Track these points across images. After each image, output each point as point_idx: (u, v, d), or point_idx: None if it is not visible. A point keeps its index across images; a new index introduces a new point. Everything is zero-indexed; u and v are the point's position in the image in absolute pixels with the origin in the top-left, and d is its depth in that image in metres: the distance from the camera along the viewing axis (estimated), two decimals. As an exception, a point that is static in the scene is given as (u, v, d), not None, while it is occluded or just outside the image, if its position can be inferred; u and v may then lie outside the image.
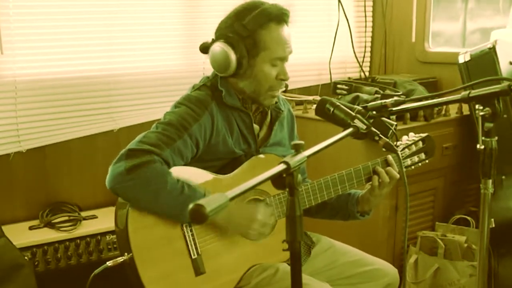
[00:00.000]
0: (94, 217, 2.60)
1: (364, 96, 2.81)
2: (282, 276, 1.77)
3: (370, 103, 1.68)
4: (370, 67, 3.65)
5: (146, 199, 1.65)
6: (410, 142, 1.93)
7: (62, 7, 2.56)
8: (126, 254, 1.67)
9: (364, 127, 1.58)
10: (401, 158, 1.80)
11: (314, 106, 1.71)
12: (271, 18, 1.77)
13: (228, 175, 1.82)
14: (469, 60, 2.73)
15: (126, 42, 2.74)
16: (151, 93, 2.84)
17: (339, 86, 3.01)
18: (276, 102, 1.91)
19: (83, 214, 2.61)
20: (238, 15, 1.78)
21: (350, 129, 1.56)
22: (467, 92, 1.62)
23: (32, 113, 2.54)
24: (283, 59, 1.81)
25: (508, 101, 2.61)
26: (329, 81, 3.35)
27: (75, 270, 2.39)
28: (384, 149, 1.63)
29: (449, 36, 3.64)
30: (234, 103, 1.83)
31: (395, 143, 1.77)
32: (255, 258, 1.81)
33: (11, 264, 2.18)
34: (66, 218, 2.54)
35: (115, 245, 2.46)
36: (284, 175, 1.18)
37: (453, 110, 2.91)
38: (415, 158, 1.94)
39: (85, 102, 2.67)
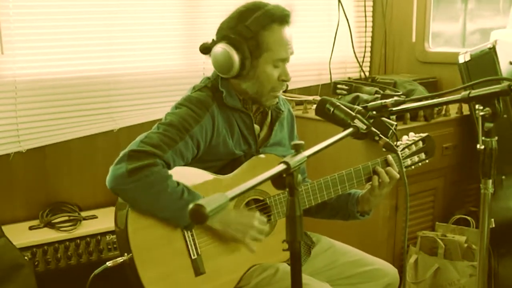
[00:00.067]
0: (94, 217, 2.60)
1: (364, 96, 2.81)
2: (282, 276, 1.77)
3: (370, 103, 1.68)
4: (370, 67, 3.65)
5: (146, 202, 1.66)
6: (410, 142, 1.93)
7: (62, 7, 2.56)
8: (126, 254, 1.67)
9: (364, 127, 1.58)
10: (401, 158, 1.79)
11: (314, 106, 1.71)
12: (274, 19, 1.77)
13: (228, 175, 1.82)
14: (469, 60, 2.73)
15: (126, 42, 2.74)
16: (151, 93, 2.84)
17: (339, 86, 3.01)
18: (276, 103, 1.91)
19: (83, 214, 2.61)
20: (241, 16, 1.78)
21: (350, 129, 1.56)
22: (467, 92, 1.61)
23: (32, 113, 2.54)
24: (285, 60, 1.81)
25: (508, 101, 2.61)
26: (329, 81, 3.35)
27: (75, 270, 2.39)
28: (384, 149, 1.63)
29: (449, 36, 3.64)
30: (235, 104, 1.83)
31: (395, 143, 1.77)
32: (255, 258, 1.81)
33: (11, 264, 2.18)
34: (66, 218, 2.54)
35: (115, 245, 2.46)
36: (284, 175, 1.18)
37: (453, 110, 2.91)
38: (415, 158, 1.94)
39: (85, 102, 2.66)
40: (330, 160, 2.45)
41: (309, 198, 1.83)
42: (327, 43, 3.37)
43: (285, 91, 1.92)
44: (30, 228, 2.48)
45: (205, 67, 2.90)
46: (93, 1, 2.63)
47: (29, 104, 2.53)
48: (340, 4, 3.34)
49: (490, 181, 1.62)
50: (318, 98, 2.59)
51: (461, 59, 2.76)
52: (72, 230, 2.45)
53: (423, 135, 1.97)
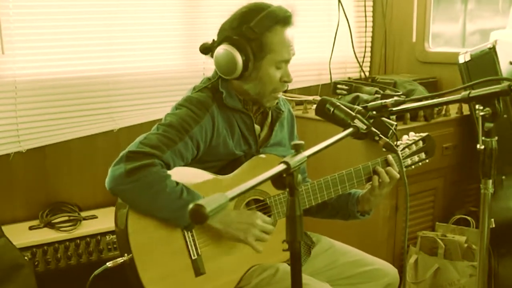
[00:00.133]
0: (94, 217, 2.60)
1: (364, 96, 2.81)
2: (282, 276, 1.77)
3: (370, 103, 1.68)
4: (370, 67, 3.65)
5: (144, 202, 1.65)
6: (410, 142, 1.93)
7: (62, 7, 2.56)
8: (126, 254, 1.67)
9: (364, 127, 1.58)
10: (401, 158, 1.79)
11: (314, 106, 1.71)
12: (277, 21, 1.76)
13: (228, 175, 1.81)
14: (469, 60, 2.73)
15: (126, 42, 2.74)
16: (151, 93, 2.83)
17: (339, 86, 3.01)
18: (277, 103, 1.91)
19: (83, 214, 2.61)
20: (244, 18, 1.77)
21: (350, 129, 1.56)
22: (467, 92, 1.61)
23: (32, 113, 2.54)
24: (288, 61, 1.81)
25: (508, 101, 2.61)
26: (329, 81, 3.35)
27: (75, 270, 2.38)
28: (384, 149, 1.63)
29: (449, 37, 3.64)
30: (235, 104, 1.83)
31: (395, 143, 1.77)
32: (255, 258, 1.81)
33: (11, 264, 2.17)
34: (66, 218, 2.54)
35: (115, 245, 2.46)
36: (284, 175, 1.18)
37: (453, 110, 2.91)
38: (415, 158, 1.94)
39: (85, 102, 2.66)
40: (330, 160, 2.45)
41: (309, 198, 1.83)
42: (327, 43, 3.37)
43: (285, 91, 1.92)
44: (30, 228, 2.48)
45: (205, 67, 2.90)
46: (93, 1, 2.63)
47: (29, 104, 2.53)
48: (340, 4, 3.34)
49: (490, 181, 1.62)
50: (318, 98, 2.59)
51: (461, 59, 2.76)
52: (72, 230, 2.45)
53: (423, 134, 1.97)
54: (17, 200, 2.59)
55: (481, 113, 1.57)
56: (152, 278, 1.67)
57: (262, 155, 1.88)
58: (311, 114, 2.84)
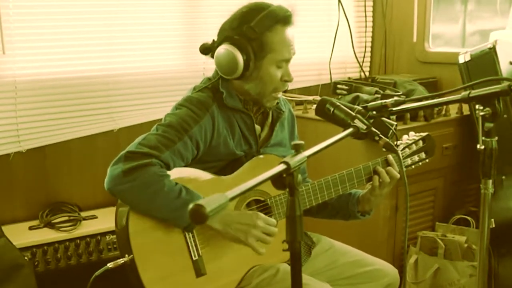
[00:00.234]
0: (94, 217, 2.60)
1: (364, 96, 2.81)
2: (282, 276, 1.77)
3: (370, 103, 1.68)
4: (370, 67, 3.65)
5: (143, 202, 1.65)
6: (410, 142, 1.93)
7: (62, 7, 2.56)
8: (126, 255, 1.67)
9: (364, 127, 1.58)
10: (401, 158, 1.79)
11: (314, 106, 1.71)
12: (278, 20, 1.76)
13: (229, 176, 1.81)
14: (469, 60, 2.73)
15: (126, 42, 2.74)
16: (151, 93, 2.83)
17: (339, 86, 3.01)
18: (277, 103, 1.91)
19: (83, 214, 2.61)
20: (244, 17, 1.77)
21: (350, 129, 1.56)
22: (467, 92, 1.62)
23: (32, 113, 2.54)
24: (288, 60, 1.81)
25: (508, 101, 2.61)
26: (329, 81, 3.35)
27: (75, 270, 2.39)
28: (384, 149, 1.63)
29: (449, 38, 3.64)
30: (235, 104, 1.83)
31: (395, 143, 1.77)
32: (256, 259, 1.80)
33: (11, 264, 2.17)
34: (66, 218, 2.54)
35: (115, 245, 2.46)
36: (284, 175, 1.18)
37: (453, 110, 2.91)
38: (416, 158, 1.94)
39: (85, 102, 2.66)
40: (330, 160, 2.45)
41: (310, 198, 1.83)
42: (327, 43, 3.37)
43: (285, 91, 1.92)
44: (30, 228, 2.48)
45: (205, 67, 2.90)
46: (93, 1, 2.63)
47: (29, 104, 2.53)
48: (340, 4, 3.34)
49: (490, 181, 1.62)
50: (318, 98, 2.59)
51: (461, 59, 2.76)
52: (72, 230, 2.45)
53: (423, 134, 1.97)
54: (17, 200, 2.59)
55: (481, 113, 1.57)
56: (152, 279, 1.66)
57: (263, 156, 1.88)
58: (311, 114, 2.84)
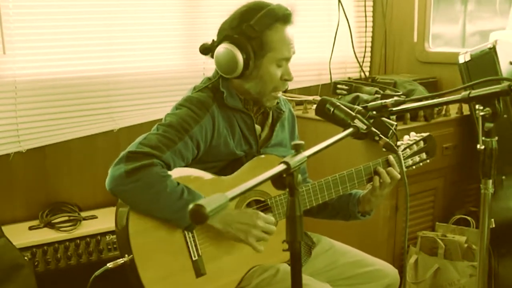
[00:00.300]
0: (94, 217, 2.60)
1: (364, 96, 2.81)
2: (282, 276, 1.77)
3: (370, 103, 1.68)
4: (370, 67, 3.65)
5: (145, 203, 1.65)
6: (411, 142, 1.93)
7: (62, 7, 2.56)
8: (126, 255, 1.67)
9: (364, 127, 1.58)
10: (401, 158, 1.79)
11: (314, 106, 1.71)
12: (277, 19, 1.76)
13: (229, 176, 1.81)
14: (469, 60, 2.73)
15: (126, 42, 2.74)
16: (151, 93, 2.83)
17: (339, 86, 3.01)
18: (277, 103, 1.91)
19: (83, 214, 2.61)
20: (244, 16, 1.77)
21: (350, 129, 1.56)
22: (467, 92, 1.61)
23: (32, 113, 2.54)
24: (288, 59, 1.81)
25: (508, 101, 2.61)
26: (329, 81, 3.35)
27: (75, 270, 2.38)
28: (384, 149, 1.63)
29: (449, 38, 3.64)
30: (236, 104, 1.83)
31: (395, 143, 1.77)
32: (256, 259, 1.80)
33: (11, 264, 2.17)
34: (66, 218, 2.54)
35: (115, 245, 2.46)
36: (284, 175, 1.18)
37: (453, 110, 2.91)
38: (416, 158, 1.94)
39: (85, 102, 2.66)
40: (330, 160, 2.45)
41: (310, 198, 1.83)
42: (327, 43, 3.37)
43: (285, 91, 1.92)
44: (30, 228, 2.48)
45: (205, 67, 2.90)
46: (93, 1, 2.63)
47: (29, 104, 2.53)
48: (340, 4, 3.34)
49: (490, 181, 1.62)
50: (318, 98, 2.59)
51: (461, 59, 2.76)
52: (72, 230, 2.45)
53: (424, 134, 1.97)
54: (17, 200, 2.59)
55: (481, 113, 1.57)
56: (152, 279, 1.66)
57: (263, 156, 1.88)
58: (311, 114, 2.84)
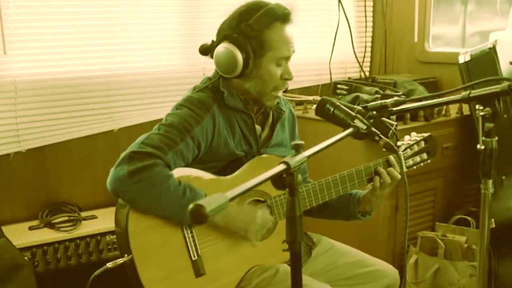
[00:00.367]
0: (94, 217, 2.60)
1: (364, 96, 2.81)
2: (282, 276, 1.77)
3: (370, 103, 1.68)
4: (370, 67, 3.65)
5: (148, 202, 1.65)
6: (412, 142, 1.93)
7: (62, 7, 2.56)
8: (126, 255, 1.67)
9: (364, 127, 1.58)
10: (402, 158, 1.79)
11: (314, 106, 1.71)
12: (276, 18, 1.77)
13: (229, 176, 1.81)
14: (469, 60, 2.73)
15: (126, 42, 2.74)
16: (151, 93, 2.83)
17: (339, 86, 3.01)
18: (277, 103, 1.91)
19: (83, 214, 2.61)
20: (243, 16, 1.77)
21: (350, 129, 1.56)
22: (467, 92, 1.61)
23: (32, 113, 2.54)
24: (288, 58, 1.81)
25: (508, 101, 2.61)
26: (329, 81, 3.35)
27: (75, 270, 2.38)
28: (384, 149, 1.63)
29: (449, 39, 3.64)
30: (236, 104, 1.83)
31: (395, 143, 1.76)
32: (256, 259, 1.81)
33: (11, 264, 2.17)
34: (66, 218, 2.54)
35: (115, 245, 2.46)
36: (284, 175, 1.18)
37: (453, 110, 2.91)
38: (417, 158, 1.93)
39: (85, 102, 2.66)
40: (330, 160, 2.45)
41: (310, 198, 1.83)
42: (327, 43, 3.37)
43: (285, 91, 1.92)
44: (30, 228, 2.48)
45: (205, 67, 2.90)
46: (93, 1, 2.63)
47: (29, 104, 2.53)
48: (340, 4, 3.34)
49: (490, 181, 1.61)
50: (318, 98, 2.58)
51: (461, 59, 2.76)
52: (72, 230, 2.45)
53: (425, 135, 1.96)
54: (17, 200, 2.58)
55: (481, 113, 1.57)
56: (152, 279, 1.66)
57: (263, 156, 1.88)
58: (311, 114, 2.84)
